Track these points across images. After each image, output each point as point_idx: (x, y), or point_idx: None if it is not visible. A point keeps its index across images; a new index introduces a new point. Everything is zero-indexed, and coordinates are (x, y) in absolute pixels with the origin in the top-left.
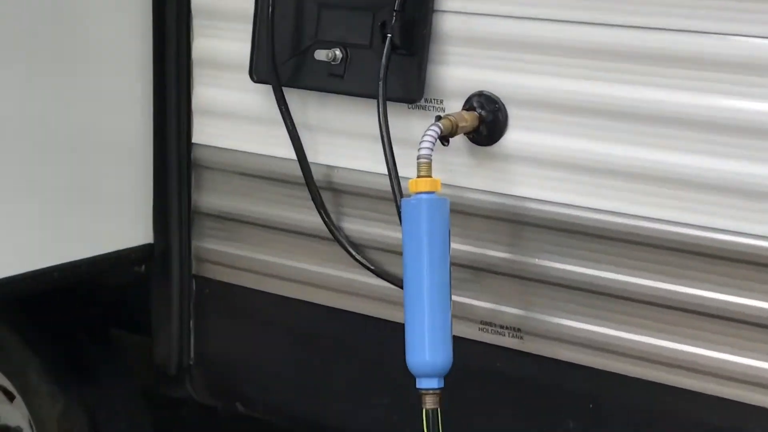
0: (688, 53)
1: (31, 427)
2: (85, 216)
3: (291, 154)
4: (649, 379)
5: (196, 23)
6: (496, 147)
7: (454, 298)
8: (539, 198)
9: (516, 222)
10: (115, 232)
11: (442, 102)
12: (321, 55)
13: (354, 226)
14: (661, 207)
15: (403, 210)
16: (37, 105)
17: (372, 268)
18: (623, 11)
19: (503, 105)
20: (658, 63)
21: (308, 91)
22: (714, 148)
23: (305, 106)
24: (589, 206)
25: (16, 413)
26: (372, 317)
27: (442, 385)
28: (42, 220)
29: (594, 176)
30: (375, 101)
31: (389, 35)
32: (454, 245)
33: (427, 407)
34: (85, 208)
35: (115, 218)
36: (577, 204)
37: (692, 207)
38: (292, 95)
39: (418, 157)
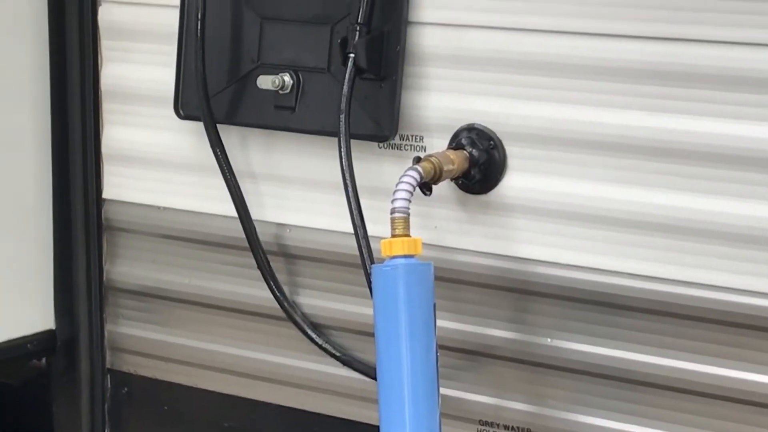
0: (719, 69)
1: None
2: None
3: (230, 209)
4: None
5: (105, 45)
6: (491, 195)
7: (444, 391)
8: (547, 260)
9: (520, 291)
10: (5, 316)
11: (422, 139)
12: (265, 82)
13: (313, 301)
14: (705, 269)
15: (374, 279)
16: None
17: (337, 354)
18: (643, 18)
19: (500, 141)
20: (687, 83)
21: (250, 129)
22: (755, 189)
23: (247, 147)
24: (611, 269)
25: None
26: (339, 418)
27: None
28: None
29: (616, 230)
30: (335, 139)
31: (352, 55)
32: (442, 323)
33: None
34: None
35: (5, 298)
36: (595, 266)
37: (738, 267)
38: (229, 134)
39: (392, 211)
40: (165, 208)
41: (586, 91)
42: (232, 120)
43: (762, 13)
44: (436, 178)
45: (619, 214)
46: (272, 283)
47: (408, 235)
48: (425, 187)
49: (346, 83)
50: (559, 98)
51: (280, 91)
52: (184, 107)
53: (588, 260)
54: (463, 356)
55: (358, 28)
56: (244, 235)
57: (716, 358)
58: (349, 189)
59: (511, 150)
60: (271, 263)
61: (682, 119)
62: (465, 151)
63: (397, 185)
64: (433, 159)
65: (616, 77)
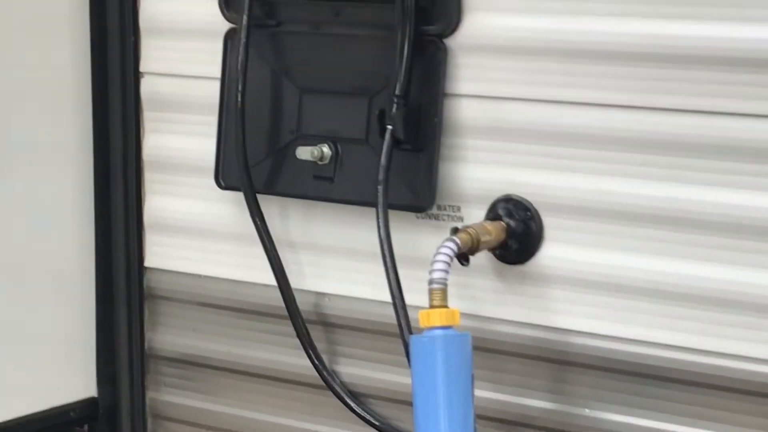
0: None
1: None
2: (8, 363)
3: (270, 278)
4: None
5: (147, 116)
6: (528, 265)
7: None
8: (586, 330)
9: (558, 361)
10: (48, 383)
11: (459, 210)
12: (304, 153)
13: (352, 369)
14: (745, 341)
15: (412, 349)
16: None
17: (376, 423)
18: (677, 91)
19: (536, 212)
20: (727, 156)
21: (289, 199)
22: None
23: (286, 217)
24: (650, 340)
25: None
26: None
27: None
28: None
29: (654, 301)
30: (374, 210)
31: (390, 127)
32: (480, 392)
33: None
34: (8, 353)
35: (48, 366)
36: (633, 338)
37: None
38: (269, 204)
39: (430, 282)
40: (205, 277)
41: (621, 163)
42: (271, 190)
43: None
44: (474, 248)
45: (657, 285)
46: (311, 352)
47: (446, 306)
48: (463, 257)
49: (384, 154)
50: (596, 170)
51: (319, 162)
52: (224, 177)
53: (626, 331)
54: (502, 426)
55: (396, 101)
56: (283, 304)
57: (757, 430)
58: (387, 259)
59: (548, 221)
60: (310, 332)
61: (723, 191)
62: (502, 222)
63: (435, 256)
64: (470, 230)
65: (651, 149)
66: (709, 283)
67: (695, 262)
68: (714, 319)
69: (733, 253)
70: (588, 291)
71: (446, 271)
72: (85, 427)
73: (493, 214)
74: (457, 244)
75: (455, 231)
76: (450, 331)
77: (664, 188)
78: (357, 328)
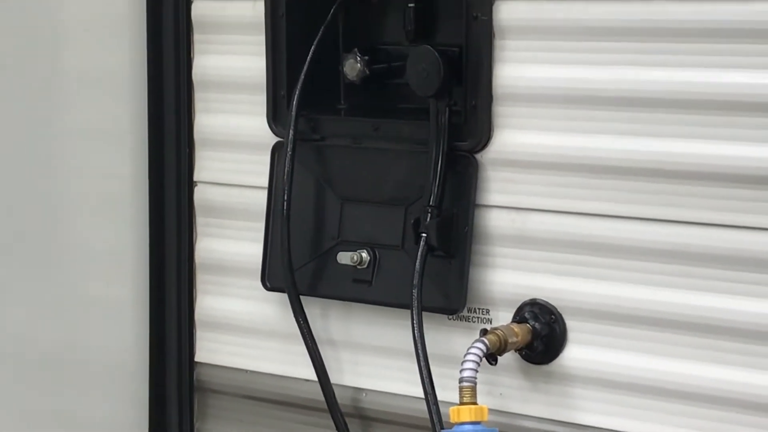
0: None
1: None
2: None
3: (311, 374)
4: None
5: (200, 221)
6: (553, 365)
7: None
8: (608, 428)
9: None
10: None
11: (488, 312)
12: (345, 258)
13: None
14: None
15: None
16: (18, 315)
17: None
18: (690, 205)
19: (560, 316)
20: (755, 267)
21: (330, 301)
22: None
23: (327, 317)
24: None
25: None
26: None
27: None
28: None
29: (675, 401)
30: (409, 312)
31: (424, 234)
32: None
33: None
34: None
35: None
36: None
37: None
38: (311, 305)
39: (461, 380)
40: (251, 372)
41: (640, 271)
42: (313, 292)
43: None
44: (501, 349)
45: (671, 385)
46: None
47: (475, 403)
48: (491, 357)
49: (418, 260)
50: (615, 277)
51: (358, 266)
52: (270, 279)
53: (642, 427)
54: None
55: (429, 210)
56: (323, 398)
57: None
58: (421, 358)
59: (571, 324)
60: (348, 425)
61: (729, 298)
62: (528, 325)
63: (465, 356)
64: (498, 332)
65: (666, 258)
66: (718, 384)
67: (705, 363)
68: (728, 418)
69: (743, 357)
70: (610, 390)
71: (476, 370)
72: None
73: (519, 317)
74: (486, 344)
75: (484, 332)
76: (479, 427)
77: (676, 295)
78: (392, 422)
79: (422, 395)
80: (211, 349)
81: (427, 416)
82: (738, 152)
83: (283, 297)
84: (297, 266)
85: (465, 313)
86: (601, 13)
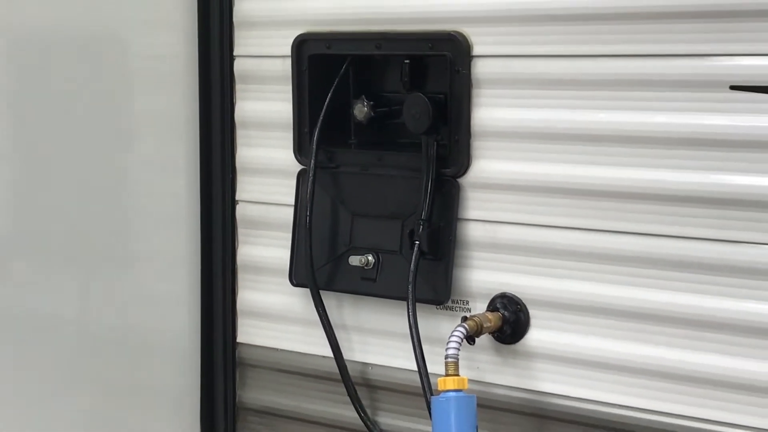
0: (710, 260)
1: None
2: (134, 413)
3: (328, 352)
4: None
5: (241, 232)
6: (519, 345)
7: None
8: (562, 393)
9: (542, 417)
10: (163, 428)
11: (467, 303)
12: (355, 260)
13: (388, 420)
14: (681, 404)
15: (432, 407)
16: (92, 306)
17: None
18: (630, 219)
19: (525, 306)
20: (674, 267)
21: (343, 294)
22: (727, 348)
23: (341, 307)
24: (612, 402)
25: None
26: None
27: None
28: (91, 416)
29: (614, 373)
30: (405, 303)
31: (417, 242)
32: None
33: None
34: (134, 405)
35: (164, 415)
36: (599, 399)
37: (710, 403)
38: (328, 297)
39: (446, 357)
40: (281, 350)
41: (590, 271)
42: (330, 287)
43: None
44: (478, 332)
45: (615, 362)
46: (358, 407)
47: (457, 375)
48: (470, 339)
49: (413, 263)
50: (570, 276)
51: (365, 267)
52: (296, 277)
53: (593, 395)
54: None
55: (422, 223)
56: (338, 371)
57: None
58: (415, 339)
59: (533, 312)
60: (357, 392)
61: (671, 294)
62: (499, 313)
63: (449, 337)
64: (476, 318)
65: (611, 260)
66: (653, 360)
67: (641, 344)
68: (657, 386)
69: (673, 338)
70: (564, 364)
71: (458, 349)
72: None
73: (492, 307)
74: (466, 328)
75: (465, 319)
76: (461, 394)
77: (619, 289)
78: (392, 390)
79: (416, 369)
80: (250, 332)
81: (420, 385)
82: (661, 177)
83: (306, 291)
84: (317, 267)
85: (449, 303)
86: (558, 68)
